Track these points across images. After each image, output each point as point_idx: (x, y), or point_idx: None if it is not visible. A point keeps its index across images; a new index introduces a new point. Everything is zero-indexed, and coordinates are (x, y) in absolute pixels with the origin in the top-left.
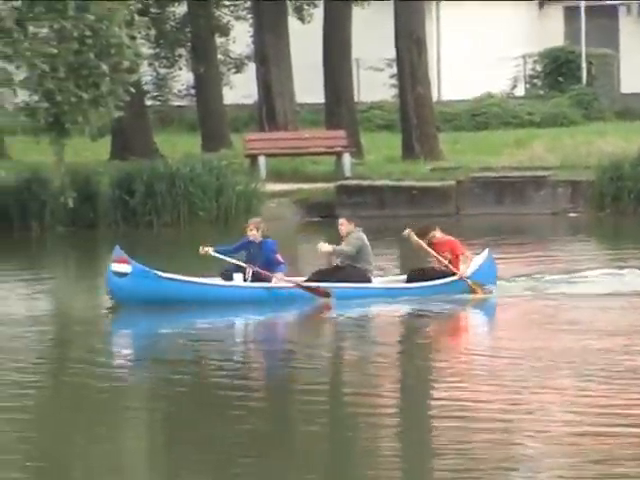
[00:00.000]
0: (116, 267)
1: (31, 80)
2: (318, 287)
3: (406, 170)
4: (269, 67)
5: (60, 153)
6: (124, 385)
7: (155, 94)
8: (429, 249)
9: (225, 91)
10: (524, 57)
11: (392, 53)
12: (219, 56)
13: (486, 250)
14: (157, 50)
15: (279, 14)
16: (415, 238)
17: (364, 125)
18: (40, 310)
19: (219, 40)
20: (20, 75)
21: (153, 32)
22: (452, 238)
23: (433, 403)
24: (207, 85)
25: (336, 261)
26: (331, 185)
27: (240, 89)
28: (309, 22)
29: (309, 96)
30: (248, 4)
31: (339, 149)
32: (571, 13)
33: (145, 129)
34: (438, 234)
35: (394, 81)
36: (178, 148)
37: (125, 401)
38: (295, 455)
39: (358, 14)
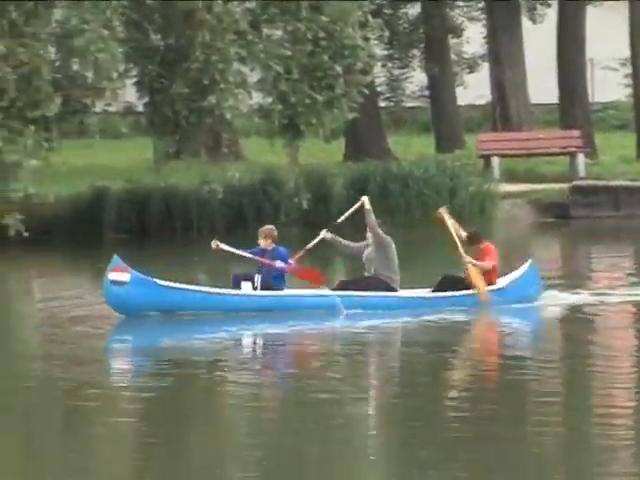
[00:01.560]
0: (114, 276)
1: (265, 82)
2: (311, 269)
3: None
4: (503, 67)
5: (294, 155)
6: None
7: (388, 95)
8: (455, 236)
9: (459, 92)
10: None
11: (627, 52)
12: (452, 56)
13: (528, 262)
14: (390, 51)
15: (512, 14)
16: (449, 220)
17: (598, 125)
18: None
19: (452, 41)
20: (254, 77)
21: (387, 33)
22: (493, 249)
23: None
24: (441, 86)
25: (368, 271)
26: (565, 186)
27: (474, 89)
28: (541, 22)
29: (543, 96)
30: (481, 5)
31: (573, 149)
32: None
33: (378, 130)
34: (483, 245)
35: (628, 81)
36: (411, 149)
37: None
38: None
39: (592, 13)
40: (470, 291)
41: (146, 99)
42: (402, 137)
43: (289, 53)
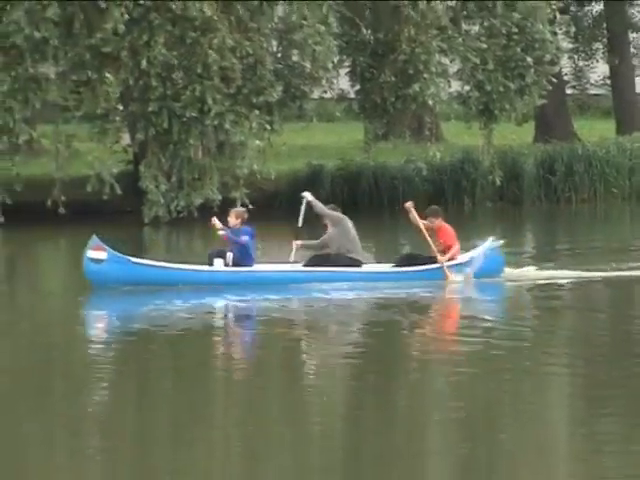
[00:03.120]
0: (92, 254)
1: (464, 72)
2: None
3: None
4: None
5: (489, 136)
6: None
7: (574, 84)
8: (422, 228)
9: (637, 81)
10: None
11: None
12: (632, 50)
13: (489, 239)
14: (576, 44)
15: None
16: (414, 213)
17: None
18: None
19: (632, 35)
20: (454, 67)
21: (573, 29)
22: (450, 229)
23: None
24: (621, 76)
25: (332, 250)
26: None
27: None
28: None
29: None
30: None
31: None
32: None
33: (565, 115)
34: (438, 221)
35: None
36: (594, 132)
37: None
38: None
39: None
40: (430, 266)
41: (357, 87)
42: (586, 121)
43: (485, 46)
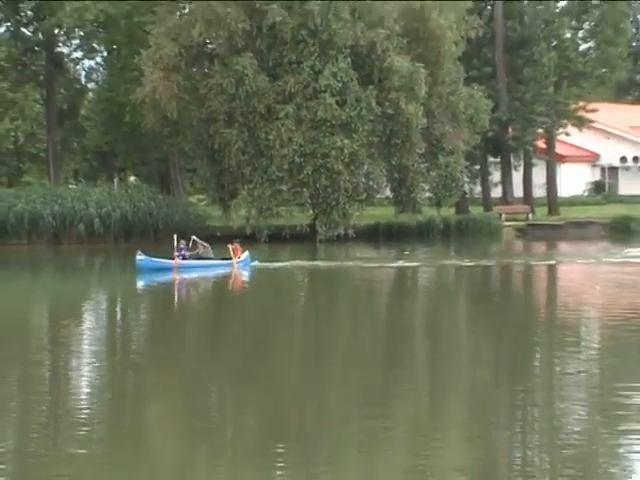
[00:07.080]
0: (138, 257)
1: (431, 189)
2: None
3: None
4: (504, 183)
5: (439, 211)
6: None
7: (469, 194)
8: (231, 250)
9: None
10: None
11: None
12: (490, 179)
13: (247, 252)
14: (470, 180)
15: (505, 165)
16: (231, 246)
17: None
18: None
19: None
20: (427, 187)
21: (469, 174)
22: (240, 248)
23: None
24: (487, 191)
25: (202, 255)
26: (524, 223)
27: (497, 192)
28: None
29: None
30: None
31: (528, 211)
32: None
33: (465, 205)
34: (238, 245)
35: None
36: (476, 210)
37: None
38: None
39: None
40: (233, 260)
41: (393, 194)
42: (473, 207)
43: (437, 180)
